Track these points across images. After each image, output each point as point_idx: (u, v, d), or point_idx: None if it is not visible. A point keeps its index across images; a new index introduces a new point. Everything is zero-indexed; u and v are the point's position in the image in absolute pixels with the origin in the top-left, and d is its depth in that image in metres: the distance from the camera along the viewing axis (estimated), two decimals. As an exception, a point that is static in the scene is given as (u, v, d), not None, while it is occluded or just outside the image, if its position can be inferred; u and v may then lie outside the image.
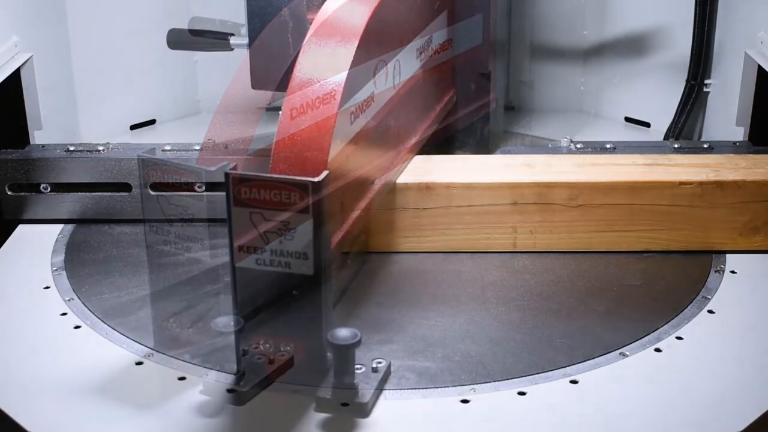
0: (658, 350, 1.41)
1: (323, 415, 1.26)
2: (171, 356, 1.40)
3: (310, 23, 1.54)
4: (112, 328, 1.48)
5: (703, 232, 1.69)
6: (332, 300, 1.31)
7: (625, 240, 1.70)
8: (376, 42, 1.53)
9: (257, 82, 1.72)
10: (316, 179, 1.23)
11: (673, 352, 1.41)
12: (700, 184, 1.66)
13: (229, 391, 1.28)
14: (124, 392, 1.32)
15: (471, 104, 2.02)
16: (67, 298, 1.57)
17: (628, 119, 2.45)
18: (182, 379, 1.35)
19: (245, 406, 1.29)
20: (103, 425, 1.26)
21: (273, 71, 1.69)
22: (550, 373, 1.35)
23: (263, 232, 1.26)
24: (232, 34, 1.89)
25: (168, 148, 1.85)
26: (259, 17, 1.66)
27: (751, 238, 1.69)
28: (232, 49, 1.90)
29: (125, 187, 1.83)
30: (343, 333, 1.24)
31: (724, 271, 1.63)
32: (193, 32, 1.97)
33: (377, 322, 1.49)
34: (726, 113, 2.08)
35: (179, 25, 2.13)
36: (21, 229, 1.82)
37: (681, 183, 1.67)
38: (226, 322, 1.26)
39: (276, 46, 1.67)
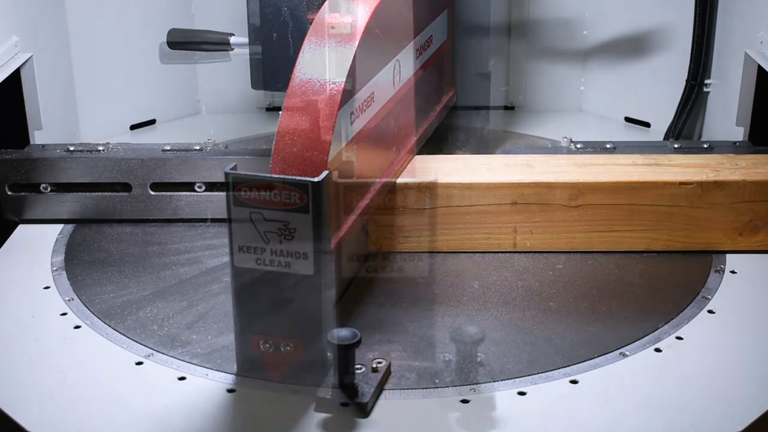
0: (658, 350, 1.41)
1: (323, 415, 1.26)
2: (171, 356, 1.40)
3: (310, 23, 1.54)
4: (112, 328, 1.48)
5: (704, 232, 1.69)
6: (333, 300, 1.32)
7: (625, 240, 1.70)
8: (377, 41, 1.53)
9: (257, 83, 1.71)
10: (315, 179, 1.23)
11: (673, 352, 1.40)
12: (700, 184, 1.66)
13: (343, 404, 1.27)
14: (124, 392, 1.32)
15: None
16: (67, 298, 1.57)
17: (628, 119, 2.44)
18: (182, 379, 1.35)
19: (246, 406, 1.29)
20: (102, 425, 1.25)
21: (273, 72, 1.68)
22: (550, 373, 1.35)
23: (263, 232, 1.26)
24: (232, 34, 1.88)
25: (168, 148, 1.85)
26: (259, 17, 1.65)
27: (752, 238, 1.69)
28: (232, 49, 1.88)
29: (125, 187, 1.83)
30: (343, 333, 1.24)
31: (724, 271, 1.63)
32: (193, 32, 1.96)
33: (377, 322, 1.49)
34: (726, 113, 2.08)
35: (180, 25, 2.12)
36: (21, 229, 1.82)
37: (681, 183, 1.67)
38: (346, 334, 1.24)
39: (276, 47, 1.67)
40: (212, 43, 1.89)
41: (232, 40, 1.85)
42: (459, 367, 1.33)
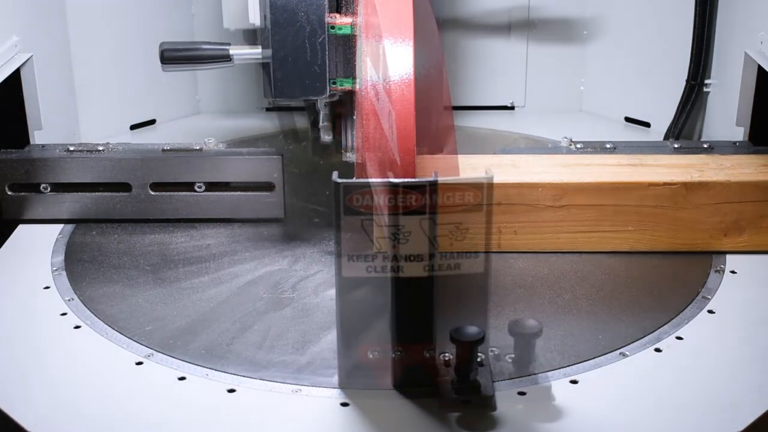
0: (658, 350, 1.41)
1: (324, 415, 1.26)
2: (171, 356, 1.40)
3: (329, 27, 1.53)
4: (112, 328, 1.49)
5: (688, 233, 1.68)
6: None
7: (609, 240, 1.69)
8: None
9: (281, 92, 1.65)
10: (489, 175, 1.23)
11: (673, 352, 1.41)
12: (685, 184, 1.66)
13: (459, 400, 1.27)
14: (124, 392, 1.32)
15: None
16: (67, 298, 1.57)
17: (628, 119, 2.45)
18: (182, 379, 1.35)
19: (246, 406, 1.29)
20: (102, 425, 1.25)
21: (297, 80, 1.63)
22: (550, 373, 1.36)
23: (435, 236, 1.23)
24: (229, 44, 1.80)
25: (168, 148, 1.85)
26: (283, 27, 1.59)
27: (736, 238, 1.68)
28: (231, 62, 1.81)
29: (125, 187, 1.83)
30: (470, 330, 1.25)
31: (724, 271, 1.63)
32: (187, 47, 1.85)
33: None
34: (726, 113, 2.08)
35: (180, 25, 2.11)
36: (21, 229, 1.82)
37: (665, 183, 1.66)
38: (472, 331, 1.25)
39: (301, 55, 1.61)
40: (210, 58, 1.80)
41: (232, 51, 1.75)
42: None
